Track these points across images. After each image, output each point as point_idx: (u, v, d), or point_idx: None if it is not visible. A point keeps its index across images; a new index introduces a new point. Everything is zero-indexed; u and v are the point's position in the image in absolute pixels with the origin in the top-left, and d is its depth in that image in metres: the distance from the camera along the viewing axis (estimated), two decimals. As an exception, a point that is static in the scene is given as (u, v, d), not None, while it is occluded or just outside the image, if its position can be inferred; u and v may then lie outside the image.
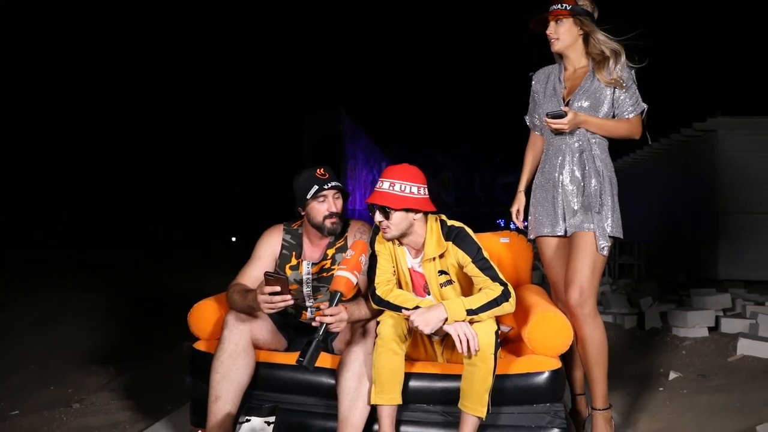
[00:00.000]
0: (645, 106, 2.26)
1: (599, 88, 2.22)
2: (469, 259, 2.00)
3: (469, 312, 1.87)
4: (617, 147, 2.37)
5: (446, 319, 1.85)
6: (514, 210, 2.46)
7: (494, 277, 1.97)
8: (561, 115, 2.12)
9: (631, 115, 2.23)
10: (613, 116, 2.25)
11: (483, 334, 1.86)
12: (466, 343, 1.83)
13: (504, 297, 1.93)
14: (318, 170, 2.20)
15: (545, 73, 2.41)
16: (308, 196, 2.18)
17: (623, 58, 2.21)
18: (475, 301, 1.91)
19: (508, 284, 1.97)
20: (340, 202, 2.23)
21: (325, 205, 2.19)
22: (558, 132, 2.24)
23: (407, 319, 1.92)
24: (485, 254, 2.02)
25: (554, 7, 2.21)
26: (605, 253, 2.17)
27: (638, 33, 2.23)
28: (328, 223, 2.20)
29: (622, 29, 2.25)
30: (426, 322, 1.85)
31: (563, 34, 2.23)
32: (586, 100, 2.22)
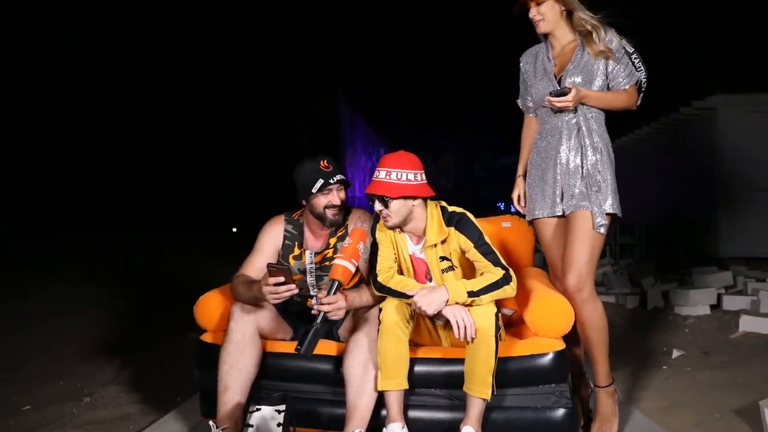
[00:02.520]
0: (639, 74, 2.23)
1: (590, 61, 2.20)
2: (471, 244, 2.01)
3: (470, 294, 1.89)
4: (615, 126, 2.35)
5: (448, 300, 1.87)
6: (514, 196, 2.45)
7: (495, 262, 1.99)
8: (565, 93, 2.11)
9: (627, 86, 2.21)
10: (608, 88, 2.23)
11: (483, 317, 1.88)
12: (464, 329, 1.85)
13: (505, 280, 1.95)
14: (322, 162, 2.20)
15: (532, 53, 2.39)
16: (313, 191, 2.18)
17: (612, 28, 2.20)
18: (477, 283, 1.93)
19: (510, 269, 1.99)
20: (343, 194, 2.24)
21: (328, 198, 2.21)
22: (559, 110, 2.22)
23: (408, 303, 1.95)
24: (487, 239, 2.04)
25: None
26: (602, 231, 2.14)
27: (626, 10, 2.22)
28: (329, 214, 2.21)
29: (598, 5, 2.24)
30: (428, 303, 1.87)
31: (546, 14, 2.21)
32: (578, 75, 2.20)
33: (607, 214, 2.17)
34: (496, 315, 1.91)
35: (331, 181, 2.17)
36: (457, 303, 1.90)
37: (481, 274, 2.00)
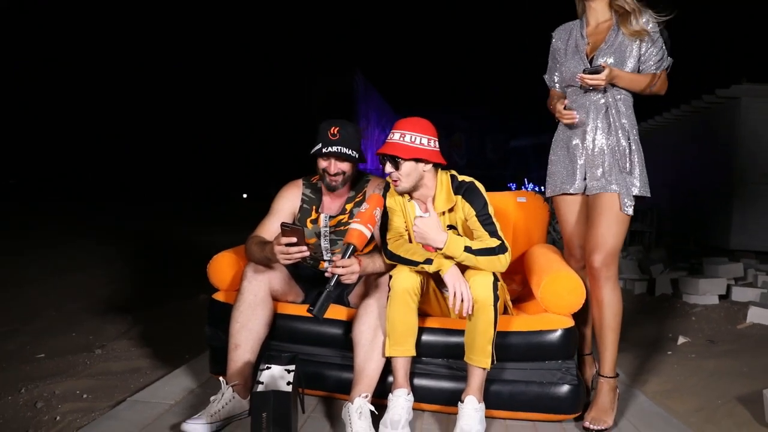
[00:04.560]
0: (671, 60, 2.19)
1: (624, 42, 2.15)
2: (473, 213, 2.02)
3: (467, 249, 1.91)
4: (637, 110, 2.30)
5: (445, 243, 1.90)
6: (560, 106, 2.20)
7: (493, 232, 1.99)
8: (599, 71, 2.06)
9: (657, 71, 2.17)
10: (638, 71, 2.19)
11: (481, 286, 1.89)
12: (461, 302, 1.86)
13: (501, 249, 1.95)
14: (332, 128, 2.19)
15: (566, 30, 2.34)
16: (312, 151, 2.21)
17: (649, 11, 2.15)
18: (475, 243, 1.94)
19: (505, 242, 1.98)
20: (343, 165, 2.23)
21: (326, 164, 2.23)
22: (589, 89, 2.18)
23: (418, 271, 1.96)
24: (490, 210, 2.03)
25: None
26: (630, 212, 2.12)
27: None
28: (327, 178, 2.24)
29: None
30: (424, 233, 1.91)
31: None
32: (611, 56, 2.15)
33: (635, 196, 2.15)
34: (494, 285, 1.91)
35: (324, 150, 2.18)
36: (452, 257, 1.91)
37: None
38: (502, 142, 27.54)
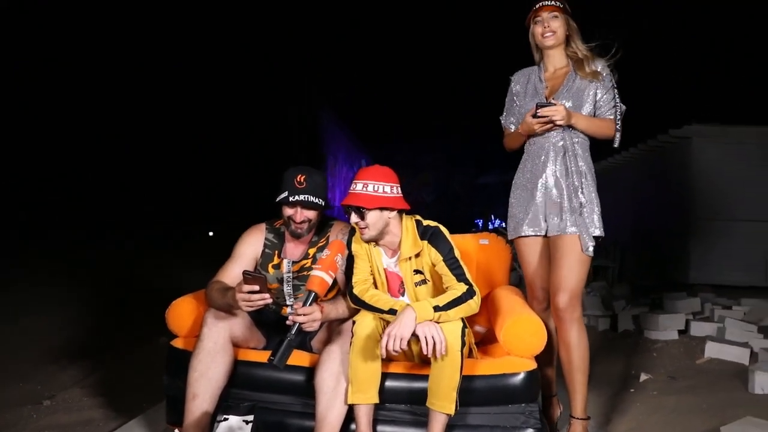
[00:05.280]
0: (624, 107, 2.30)
1: (581, 87, 2.26)
2: (441, 258, 2.03)
3: (437, 308, 1.90)
4: (595, 149, 2.40)
5: (416, 318, 1.87)
6: (529, 117, 2.21)
7: (459, 276, 2.01)
8: (552, 104, 2.15)
9: (612, 116, 2.27)
10: (594, 116, 2.29)
11: (449, 332, 1.89)
12: (433, 345, 1.85)
13: (469, 295, 1.96)
14: (299, 177, 2.19)
15: (525, 74, 2.43)
16: (277, 199, 2.20)
17: (601, 58, 2.28)
18: (442, 299, 1.94)
19: (473, 284, 2.00)
20: (308, 213, 2.22)
21: (291, 212, 2.22)
22: (545, 130, 2.25)
23: (381, 318, 1.94)
24: (456, 254, 2.05)
25: (546, 3, 2.26)
26: (591, 252, 2.18)
27: (613, 38, 2.29)
28: (292, 225, 2.22)
29: (597, 34, 2.31)
30: (400, 332, 1.83)
31: (558, 29, 2.28)
32: (569, 100, 2.25)
33: (594, 237, 2.21)
34: (463, 331, 1.92)
35: (290, 199, 2.17)
36: (427, 320, 1.90)
37: (446, 288, 2.02)
38: (470, 178, 28.06)
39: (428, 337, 1.85)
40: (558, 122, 2.18)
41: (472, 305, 1.96)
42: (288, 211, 2.22)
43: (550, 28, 2.27)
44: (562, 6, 2.27)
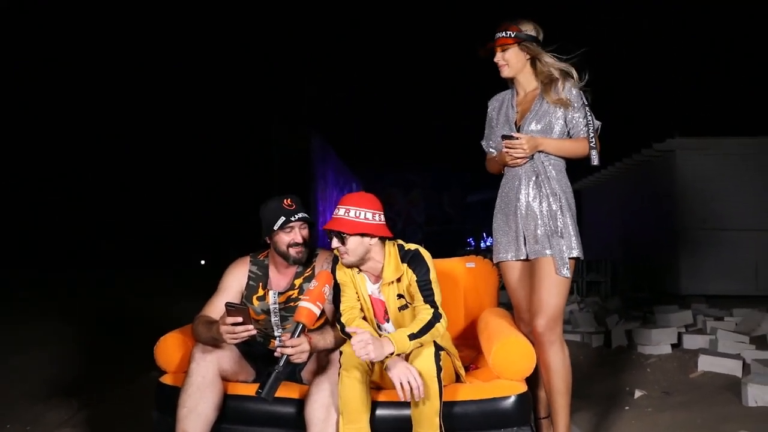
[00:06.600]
0: (599, 123, 2.31)
1: (549, 110, 2.27)
2: (415, 279, 2.04)
3: (411, 336, 1.91)
4: (580, 167, 2.43)
5: (392, 353, 1.87)
6: (503, 155, 2.28)
7: (427, 298, 2.02)
8: (513, 138, 2.18)
9: (585, 134, 2.26)
10: (569, 136, 2.30)
11: (423, 360, 1.90)
12: (409, 390, 1.83)
13: (435, 318, 1.97)
14: (285, 201, 2.22)
15: (499, 100, 2.46)
16: (275, 228, 2.19)
17: (572, 79, 2.27)
18: (414, 326, 1.95)
19: (440, 307, 2.01)
20: (306, 232, 2.25)
21: (291, 236, 2.22)
22: (513, 160, 2.27)
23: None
24: (431, 276, 2.05)
25: (499, 35, 2.29)
26: (567, 275, 2.18)
27: (585, 51, 2.31)
28: (292, 251, 2.22)
29: (569, 48, 2.34)
30: (369, 352, 1.82)
31: (510, 60, 2.30)
32: (537, 123, 2.27)
33: (570, 258, 2.22)
34: (437, 355, 1.92)
35: (292, 219, 2.18)
36: (402, 353, 1.89)
37: (415, 307, 2.03)
38: (460, 196, 28.15)
39: (404, 383, 1.84)
40: (522, 158, 2.22)
41: (440, 329, 1.98)
42: (286, 239, 2.21)
43: (502, 60, 2.31)
44: (514, 36, 2.26)
